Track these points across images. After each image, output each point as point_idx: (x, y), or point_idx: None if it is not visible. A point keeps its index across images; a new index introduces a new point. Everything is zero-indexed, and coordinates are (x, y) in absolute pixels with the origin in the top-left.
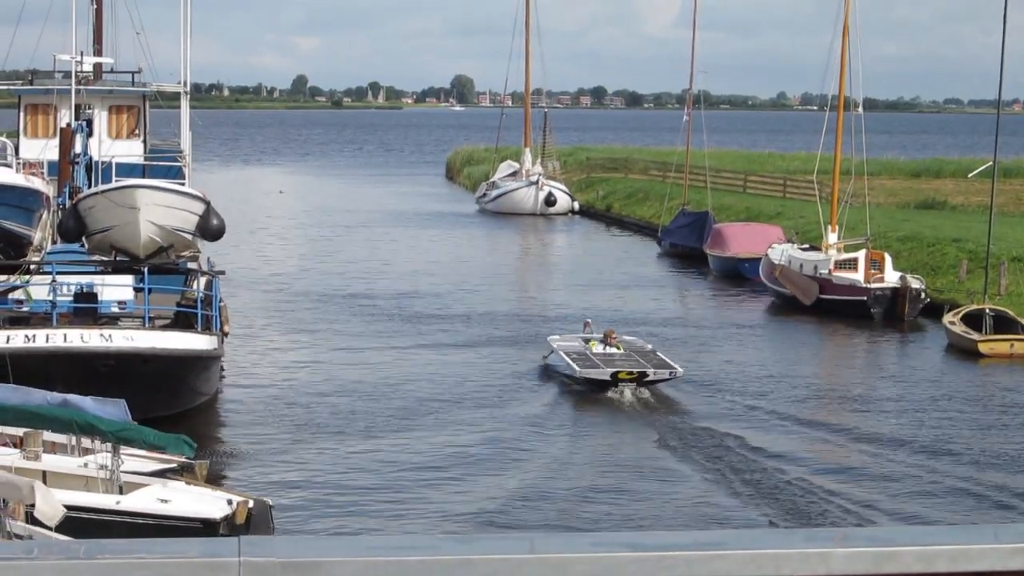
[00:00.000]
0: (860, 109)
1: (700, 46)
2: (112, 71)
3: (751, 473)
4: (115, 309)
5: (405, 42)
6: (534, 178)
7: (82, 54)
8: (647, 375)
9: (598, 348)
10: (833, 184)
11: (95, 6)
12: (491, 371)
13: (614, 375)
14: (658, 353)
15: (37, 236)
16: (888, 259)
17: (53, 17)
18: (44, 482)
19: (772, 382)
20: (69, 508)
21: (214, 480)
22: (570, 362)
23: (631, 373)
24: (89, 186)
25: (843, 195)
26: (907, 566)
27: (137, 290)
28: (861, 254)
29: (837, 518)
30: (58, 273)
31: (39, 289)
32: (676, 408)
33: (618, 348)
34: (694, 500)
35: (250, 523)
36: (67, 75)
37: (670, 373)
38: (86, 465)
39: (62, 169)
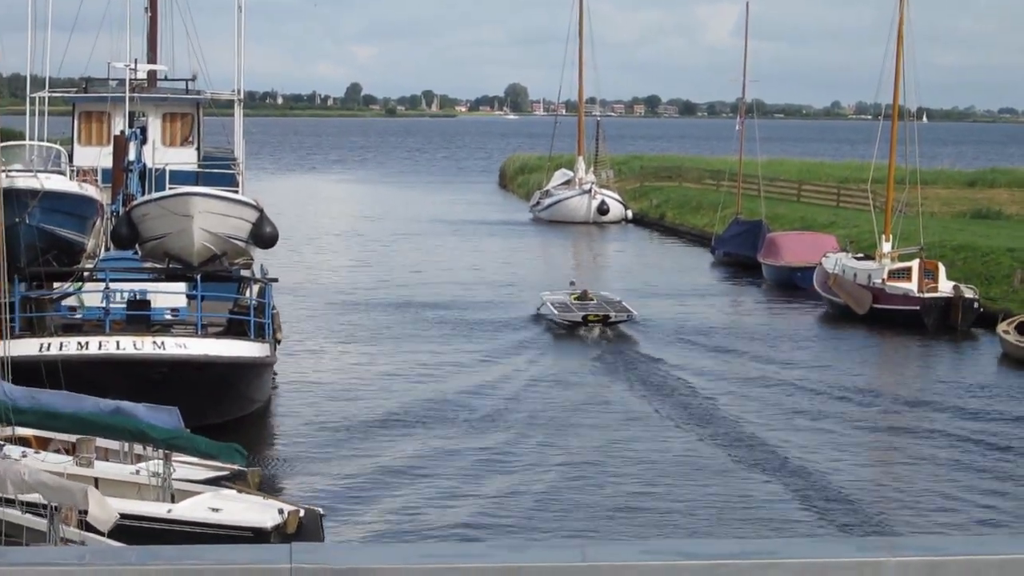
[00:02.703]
0: (925, 118)
1: (754, 55)
2: (166, 79)
3: (807, 484)
4: (168, 316)
5: (459, 51)
6: (587, 187)
7: (136, 62)
8: (610, 317)
9: (576, 300)
10: (887, 193)
11: (149, 14)
12: (544, 377)
13: (584, 317)
14: (623, 303)
15: (91, 243)
16: (942, 268)
17: (107, 25)
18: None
19: (823, 389)
20: (121, 516)
21: (266, 488)
22: (554, 310)
23: (597, 316)
24: (143, 193)
25: (897, 204)
26: (957, 575)
27: (190, 297)
28: (915, 263)
29: (886, 523)
30: (111, 280)
31: (92, 296)
32: (723, 411)
33: (592, 300)
34: (764, 503)
35: (301, 532)
36: (121, 83)
37: (627, 316)
38: (138, 472)
39: (116, 176)
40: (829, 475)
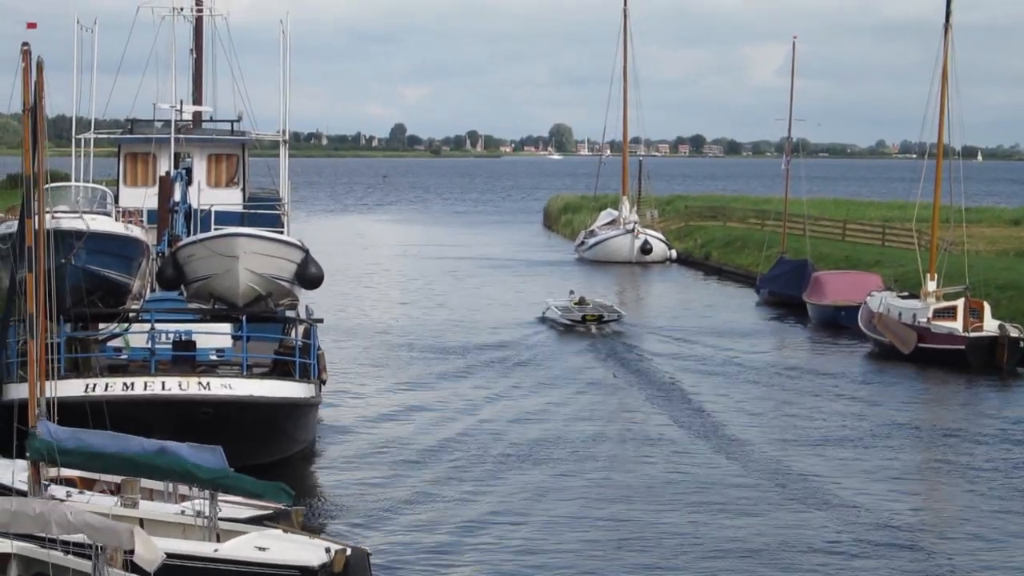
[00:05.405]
0: (979, 157)
1: (799, 94)
2: (211, 120)
3: (859, 523)
4: (213, 357)
5: (504, 91)
6: (629, 226)
7: (181, 103)
8: (603, 317)
9: (575, 305)
10: (932, 232)
11: (195, 55)
12: (589, 415)
13: (583, 317)
14: (615, 307)
15: (136, 284)
16: (987, 307)
17: (153, 66)
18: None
19: (869, 427)
20: (167, 555)
21: (311, 528)
22: (558, 312)
23: (593, 316)
24: (188, 234)
25: (942, 243)
26: None
27: (235, 338)
28: (960, 302)
29: (938, 564)
30: (157, 321)
31: (138, 337)
32: (769, 449)
33: (589, 304)
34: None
35: (348, 572)
36: (166, 124)
37: (618, 316)
38: (183, 512)
39: (161, 217)
40: (878, 515)
